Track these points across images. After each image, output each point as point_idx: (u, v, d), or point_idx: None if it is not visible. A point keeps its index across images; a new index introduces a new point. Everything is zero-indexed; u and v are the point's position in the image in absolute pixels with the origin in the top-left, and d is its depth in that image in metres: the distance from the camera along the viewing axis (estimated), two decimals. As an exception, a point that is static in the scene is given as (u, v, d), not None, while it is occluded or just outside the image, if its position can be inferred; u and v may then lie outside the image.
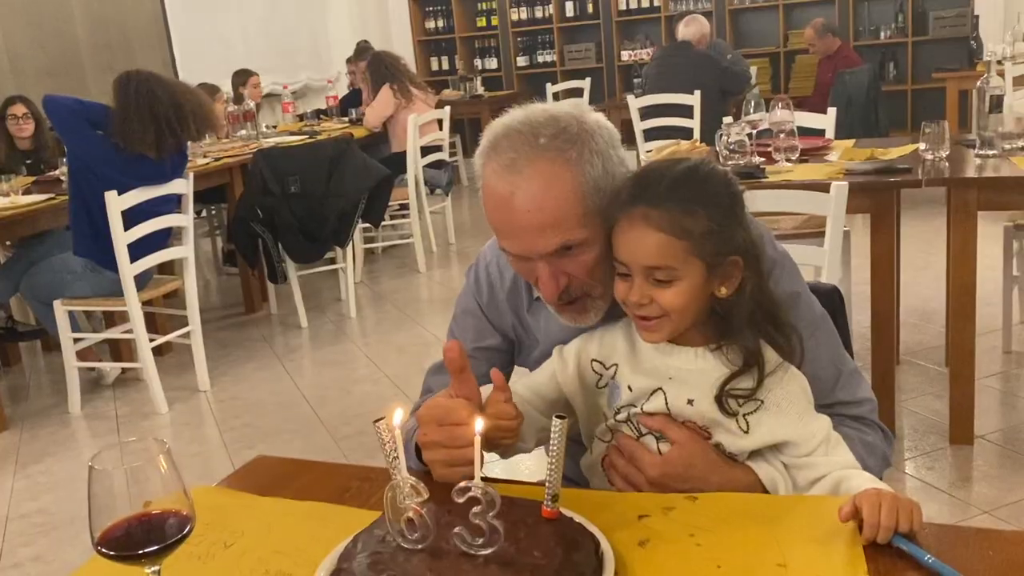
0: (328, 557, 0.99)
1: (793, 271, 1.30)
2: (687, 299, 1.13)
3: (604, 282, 1.21)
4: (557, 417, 0.99)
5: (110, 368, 4.08)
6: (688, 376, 1.17)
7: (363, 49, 6.89)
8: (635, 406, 1.20)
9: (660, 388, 1.18)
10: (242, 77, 6.53)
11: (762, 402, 1.15)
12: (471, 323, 1.42)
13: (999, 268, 3.41)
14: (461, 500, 0.91)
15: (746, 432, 1.16)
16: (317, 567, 0.97)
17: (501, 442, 1.14)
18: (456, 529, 0.92)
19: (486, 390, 1.15)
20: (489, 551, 0.90)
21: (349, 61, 7.17)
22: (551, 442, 0.99)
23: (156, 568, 0.89)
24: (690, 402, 1.16)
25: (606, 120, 1.22)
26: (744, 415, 1.16)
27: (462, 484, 0.92)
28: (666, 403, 1.17)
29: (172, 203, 3.74)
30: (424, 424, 1.14)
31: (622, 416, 1.21)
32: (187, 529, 0.89)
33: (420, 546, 0.93)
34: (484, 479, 0.94)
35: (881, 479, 1.18)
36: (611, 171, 1.18)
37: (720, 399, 1.15)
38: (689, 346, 1.18)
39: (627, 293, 1.15)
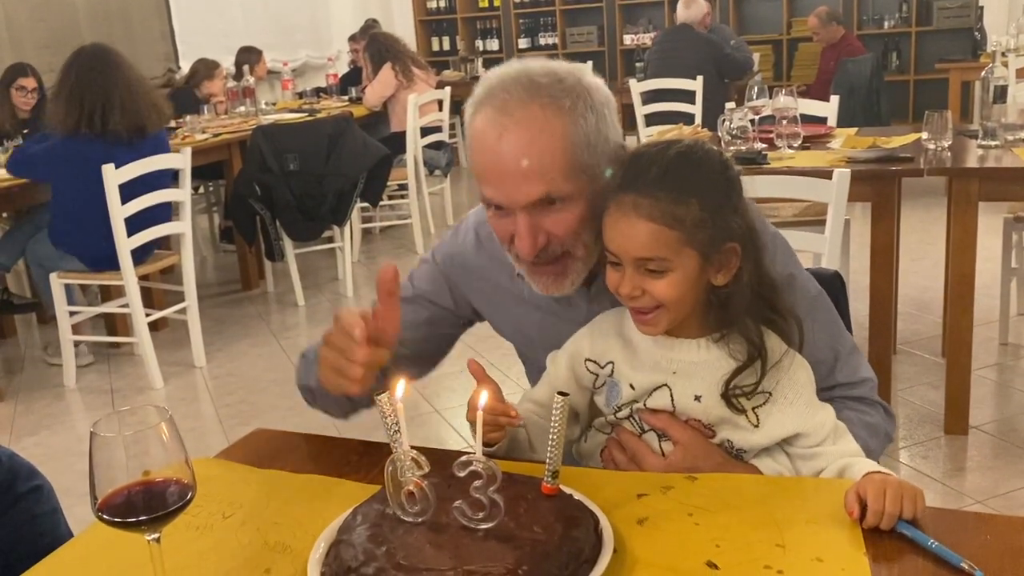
0: (327, 529, 0.99)
1: (787, 252, 1.28)
2: (681, 290, 1.09)
3: (587, 244, 1.17)
4: (559, 394, 0.99)
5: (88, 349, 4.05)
6: (693, 370, 1.14)
7: (368, 27, 6.85)
8: (638, 402, 1.16)
9: (665, 384, 1.14)
10: (250, 55, 6.49)
11: (771, 394, 1.13)
12: (426, 273, 1.41)
13: (997, 260, 3.42)
14: (462, 474, 0.91)
15: (757, 426, 1.13)
16: (316, 539, 0.98)
17: (489, 436, 1.12)
18: (456, 503, 0.92)
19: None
20: (489, 525, 0.90)
21: (352, 39, 7.13)
22: (552, 419, 0.99)
23: (156, 535, 0.89)
24: (697, 398, 1.13)
25: (605, 86, 1.20)
26: (753, 408, 1.13)
27: (463, 458, 0.92)
28: (672, 400, 1.14)
29: (159, 180, 3.66)
30: (336, 324, 1.14)
31: (623, 413, 1.18)
32: (188, 497, 0.89)
33: (420, 519, 0.93)
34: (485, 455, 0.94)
35: (883, 454, 1.18)
36: (604, 132, 1.16)
37: (727, 396, 1.12)
38: (690, 338, 1.15)
39: (619, 284, 1.11)
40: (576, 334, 1.23)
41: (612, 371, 1.18)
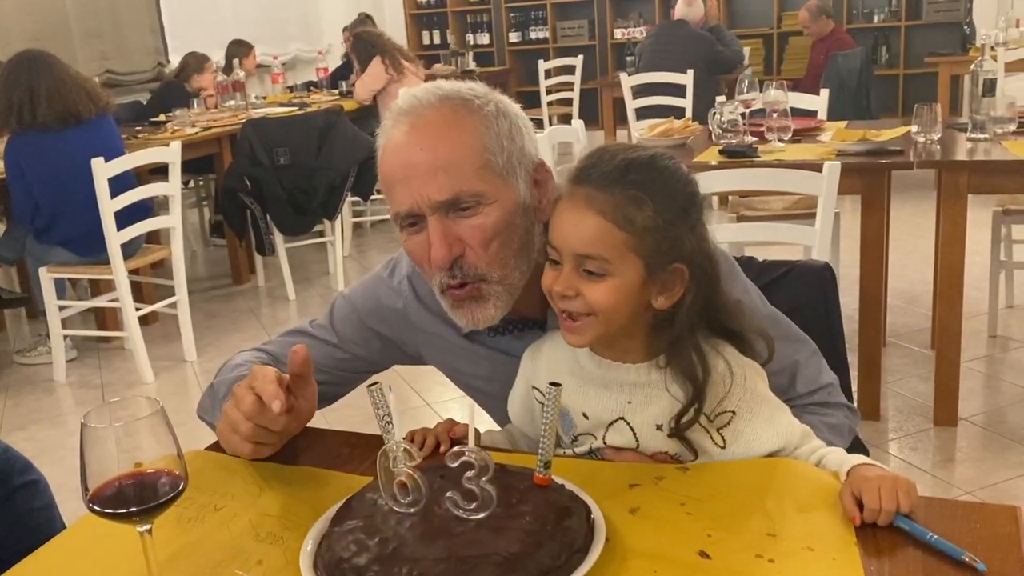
0: (319, 520, 0.99)
1: (731, 276, 1.21)
2: (617, 299, 1.03)
3: (503, 265, 1.13)
4: (552, 384, 0.99)
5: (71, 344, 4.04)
6: (647, 397, 1.09)
7: (361, 21, 6.83)
8: (595, 436, 1.12)
9: (622, 418, 1.09)
10: (241, 49, 6.46)
11: (734, 412, 1.08)
12: (349, 319, 1.36)
13: (986, 253, 3.43)
14: (454, 464, 0.91)
15: (723, 447, 1.09)
16: (308, 531, 0.98)
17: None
18: (448, 494, 0.92)
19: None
20: (481, 516, 0.90)
21: (346, 30, 7.10)
22: (544, 410, 0.99)
23: (147, 527, 0.89)
24: (659, 427, 1.09)
25: (520, 109, 1.19)
26: (719, 429, 1.08)
27: (456, 448, 0.92)
28: (634, 434, 1.09)
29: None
30: (251, 386, 1.11)
31: (581, 449, 1.13)
32: (180, 488, 0.89)
33: (412, 510, 0.93)
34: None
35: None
36: (519, 141, 1.14)
37: (678, 434, 1.07)
38: (635, 363, 1.10)
39: (553, 281, 1.05)
40: (522, 360, 1.20)
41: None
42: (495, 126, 1.12)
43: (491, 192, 1.11)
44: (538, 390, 1.15)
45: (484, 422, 1.47)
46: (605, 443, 1.11)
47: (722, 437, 1.09)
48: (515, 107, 1.17)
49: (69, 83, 3.64)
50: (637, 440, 1.10)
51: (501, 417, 1.27)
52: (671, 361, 1.07)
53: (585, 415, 1.12)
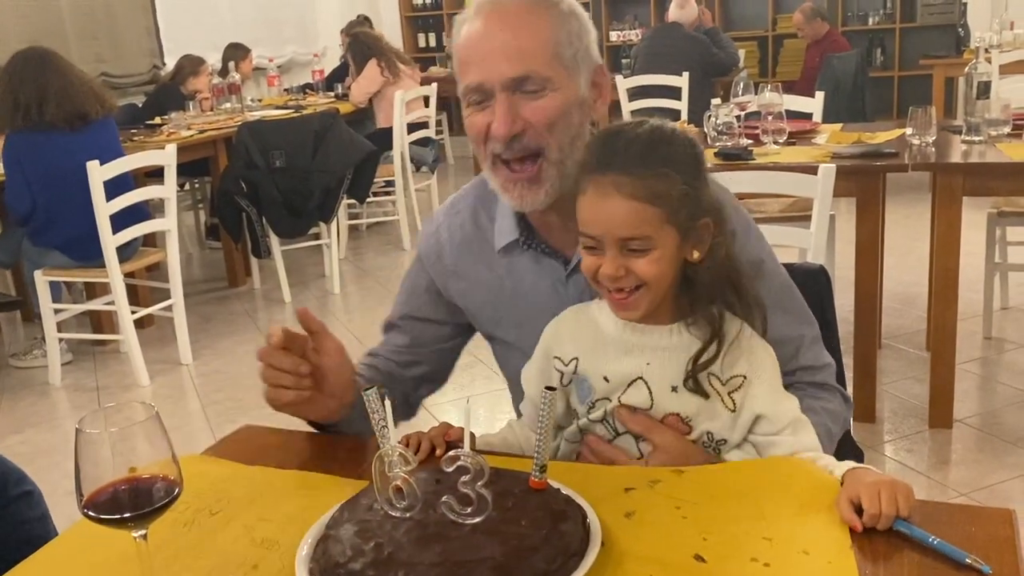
0: (315, 525, 0.98)
1: (760, 237, 1.30)
2: (663, 267, 1.09)
3: (561, 147, 1.20)
4: (547, 388, 0.99)
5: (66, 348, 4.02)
6: (667, 359, 1.13)
7: (359, 23, 6.83)
8: (610, 399, 1.15)
9: (640, 378, 1.13)
10: (237, 52, 6.45)
11: (745, 377, 1.13)
12: (408, 286, 1.45)
13: (981, 255, 3.44)
14: (450, 469, 0.91)
15: (734, 411, 1.13)
16: (303, 535, 0.97)
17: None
18: (444, 498, 0.91)
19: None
20: (477, 520, 0.90)
21: (344, 32, 7.09)
22: (540, 414, 0.99)
23: (142, 532, 0.89)
24: (674, 389, 1.13)
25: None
26: (729, 393, 1.13)
27: (451, 453, 0.92)
28: (650, 394, 1.13)
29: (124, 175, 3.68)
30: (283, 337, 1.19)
31: (596, 414, 1.17)
32: (175, 493, 0.88)
33: (408, 514, 0.93)
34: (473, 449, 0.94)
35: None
36: (585, 41, 1.24)
37: (693, 375, 1.11)
38: (662, 324, 1.14)
39: (596, 267, 1.10)
40: (544, 332, 1.23)
41: (576, 367, 1.17)
42: (567, 23, 1.22)
43: (557, 80, 1.19)
44: (559, 359, 1.19)
45: (480, 425, 1.48)
46: (620, 402, 1.14)
47: (733, 401, 1.13)
48: (584, 14, 1.26)
49: (78, 83, 3.62)
50: (652, 400, 1.14)
51: (515, 372, 1.31)
52: (696, 310, 1.13)
53: (606, 378, 1.15)
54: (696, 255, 1.11)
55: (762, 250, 1.29)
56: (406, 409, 1.46)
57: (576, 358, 1.17)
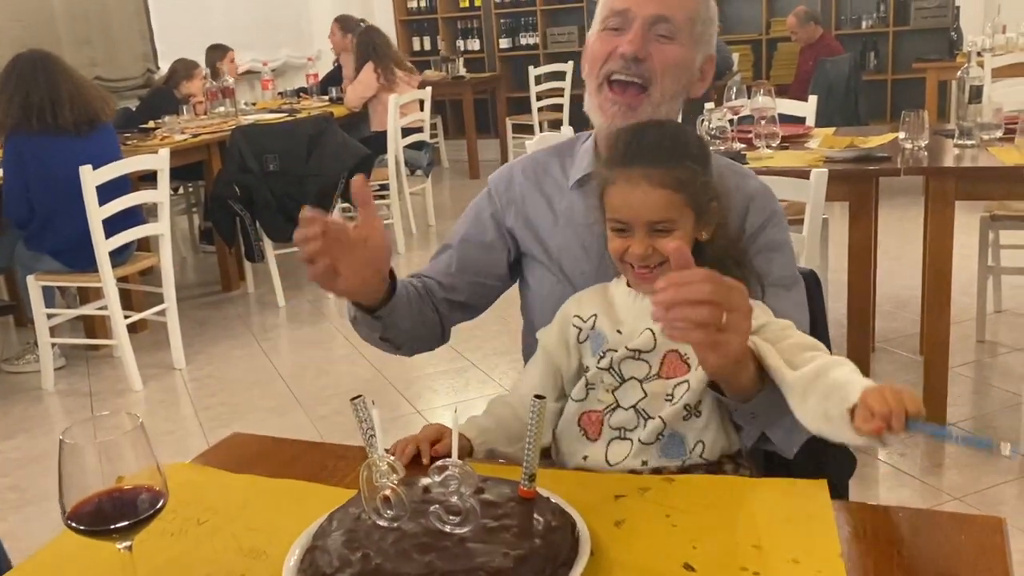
0: (303, 534, 0.98)
1: (787, 227, 1.42)
2: (684, 245, 1.16)
3: (663, 93, 1.34)
4: (535, 397, 0.98)
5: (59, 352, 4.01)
6: None
7: (369, 28, 6.80)
8: (616, 350, 1.25)
9: (649, 328, 1.24)
10: (217, 52, 6.43)
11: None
12: (472, 214, 1.53)
13: (974, 258, 3.44)
14: (438, 478, 0.91)
15: None
16: (291, 545, 0.97)
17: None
18: (432, 507, 0.91)
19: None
20: (465, 530, 0.90)
21: (351, 32, 7.05)
22: (529, 423, 0.99)
23: (127, 544, 0.88)
24: None
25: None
26: None
27: (440, 462, 0.91)
28: (654, 337, 1.24)
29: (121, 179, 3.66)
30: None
31: (604, 363, 1.26)
32: (159, 505, 0.88)
33: (395, 524, 0.92)
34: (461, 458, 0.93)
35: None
36: (711, 29, 1.40)
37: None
38: None
39: (624, 248, 1.22)
40: (564, 304, 1.35)
41: (594, 324, 1.29)
42: (707, 6, 1.39)
43: (685, 39, 1.35)
44: (578, 317, 1.31)
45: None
46: (627, 348, 1.25)
47: None
48: (715, 7, 1.43)
49: (86, 87, 3.61)
50: (655, 341, 1.24)
51: (537, 298, 1.44)
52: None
53: (619, 331, 1.27)
54: (704, 235, 1.25)
55: (787, 237, 1.40)
56: (439, 333, 1.50)
57: (595, 315, 1.30)
